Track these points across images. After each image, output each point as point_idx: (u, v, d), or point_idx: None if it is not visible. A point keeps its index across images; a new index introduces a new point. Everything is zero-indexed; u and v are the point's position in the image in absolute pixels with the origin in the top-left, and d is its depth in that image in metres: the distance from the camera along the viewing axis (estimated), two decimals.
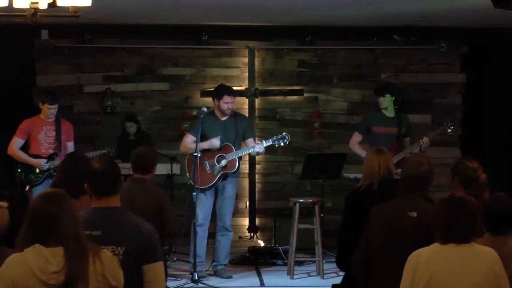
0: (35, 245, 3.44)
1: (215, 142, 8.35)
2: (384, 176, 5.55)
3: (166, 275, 6.67)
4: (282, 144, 8.61)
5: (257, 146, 8.44)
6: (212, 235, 8.63)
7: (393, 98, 8.73)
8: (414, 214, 4.80)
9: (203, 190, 8.35)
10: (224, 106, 8.39)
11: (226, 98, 8.39)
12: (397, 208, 4.88)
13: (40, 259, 3.41)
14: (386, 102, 8.65)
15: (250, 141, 8.54)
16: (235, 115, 8.59)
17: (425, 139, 8.53)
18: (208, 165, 8.36)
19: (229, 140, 8.42)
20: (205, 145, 8.33)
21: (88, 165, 4.22)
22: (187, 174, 8.40)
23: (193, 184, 8.27)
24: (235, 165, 8.47)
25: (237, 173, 8.54)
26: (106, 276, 3.52)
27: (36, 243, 3.45)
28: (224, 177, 8.43)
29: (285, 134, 8.57)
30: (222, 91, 8.49)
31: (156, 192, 6.36)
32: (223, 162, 8.37)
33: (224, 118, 8.45)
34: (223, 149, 8.43)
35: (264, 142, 8.53)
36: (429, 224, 4.55)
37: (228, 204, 8.53)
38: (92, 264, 3.47)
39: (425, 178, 4.94)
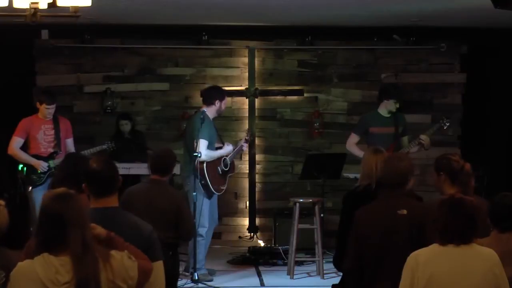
0: (43, 255, 3.39)
1: (229, 148, 8.45)
2: None
3: (178, 273, 6.71)
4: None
5: (244, 145, 8.68)
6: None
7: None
8: (404, 212, 4.81)
9: (211, 196, 8.37)
10: (224, 107, 8.43)
11: (226, 100, 8.50)
12: (385, 208, 4.87)
13: (50, 270, 3.37)
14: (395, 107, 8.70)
15: None
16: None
17: (423, 137, 8.55)
18: (220, 170, 8.40)
19: (218, 141, 8.50)
20: (224, 153, 8.43)
21: (87, 165, 4.22)
22: (203, 181, 8.23)
23: (214, 191, 8.30)
24: (235, 166, 8.53)
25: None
26: (116, 282, 3.48)
27: (46, 246, 3.41)
28: None
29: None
30: (224, 92, 8.53)
31: (174, 193, 6.42)
32: (228, 164, 8.44)
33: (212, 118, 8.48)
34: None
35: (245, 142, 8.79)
36: (420, 221, 4.57)
37: (216, 201, 8.58)
38: (103, 269, 3.43)
39: (406, 172, 4.95)
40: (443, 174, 5.05)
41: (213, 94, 8.53)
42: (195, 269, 8.19)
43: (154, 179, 6.26)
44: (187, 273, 8.31)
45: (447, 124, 8.85)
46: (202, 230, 8.26)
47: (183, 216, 6.24)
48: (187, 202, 6.56)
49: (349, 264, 4.95)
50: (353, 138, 8.81)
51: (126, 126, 9.67)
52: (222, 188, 8.48)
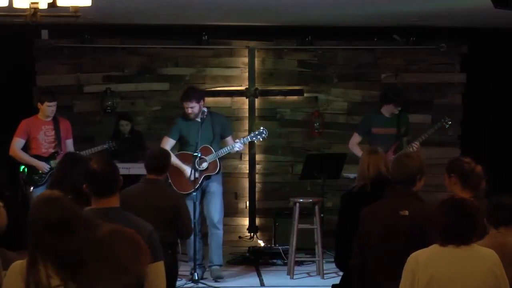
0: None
1: (187, 173, 8.29)
2: (373, 176, 5.56)
3: (177, 272, 6.72)
4: (260, 139, 8.59)
5: (236, 145, 8.42)
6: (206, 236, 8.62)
7: None
8: (406, 213, 4.81)
9: (187, 195, 8.21)
10: (188, 111, 8.37)
11: (185, 104, 8.37)
12: (388, 208, 4.88)
13: (42, 274, 3.36)
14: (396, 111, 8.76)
15: (229, 139, 8.52)
16: (210, 114, 8.49)
17: (416, 145, 8.59)
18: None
19: (207, 141, 8.37)
20: (178, 165, 8.31)
21: (84, 164, 4.22)
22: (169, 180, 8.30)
23: (175, 188, 8.21)
24: (217, 166, 8.43)
25: (219, 173, 8.51)
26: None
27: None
28: (207, 178, 8.43)
29: (262, 129, 8.55)
30: (181, 97, 8.49)
31: (171, 193, 6.44)
32: (204, 165, 8.35)
33: (198, 119, 8.41)
34: (202, 152, 8.37)
35: (242, 139, 8.53)
36: (421, 222, 4.58)
37: (214, 201, 8.47)
38: None
39: (414, 172, 4.93)
40: (453, 176, 5.04)
41: None
42: (195, 269, 8.21)
43: (151, 178, 6.27)
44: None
45: (449, 123, 8.89)
46: None
47: (182, 215, 6.27)
48: (185, 201, 6.56)
49: (354, 261, 4.97)
50: (356, 138, 8.85)
51: (126, 127, 9.62)
52: (189, 188, 8.22)
